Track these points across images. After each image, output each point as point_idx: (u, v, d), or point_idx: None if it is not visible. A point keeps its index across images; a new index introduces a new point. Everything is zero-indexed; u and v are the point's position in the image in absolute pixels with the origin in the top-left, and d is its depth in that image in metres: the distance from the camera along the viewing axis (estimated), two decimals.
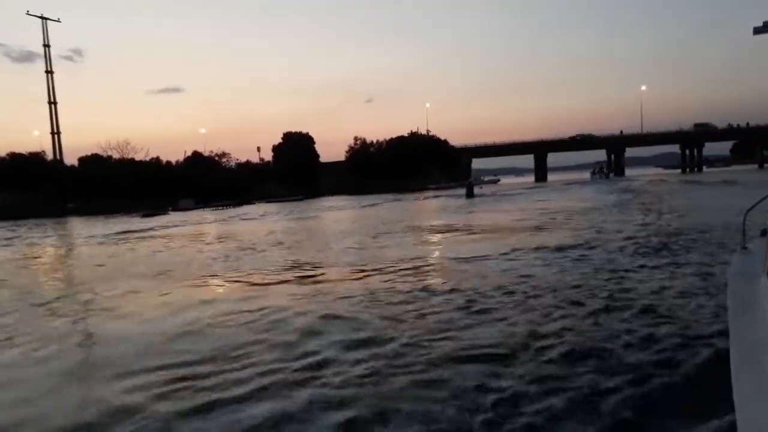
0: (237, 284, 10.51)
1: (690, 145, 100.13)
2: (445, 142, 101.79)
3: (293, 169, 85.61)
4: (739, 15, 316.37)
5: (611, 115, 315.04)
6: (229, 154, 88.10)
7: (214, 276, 11.83)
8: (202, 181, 76.94)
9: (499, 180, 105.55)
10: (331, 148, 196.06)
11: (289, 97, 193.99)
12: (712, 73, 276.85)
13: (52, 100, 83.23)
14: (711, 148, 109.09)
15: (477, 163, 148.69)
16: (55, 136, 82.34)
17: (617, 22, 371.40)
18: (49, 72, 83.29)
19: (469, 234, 16.77)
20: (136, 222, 41.15)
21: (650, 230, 14.39)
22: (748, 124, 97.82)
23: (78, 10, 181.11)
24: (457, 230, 18.20)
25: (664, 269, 9.12)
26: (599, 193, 34.89)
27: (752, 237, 4.24)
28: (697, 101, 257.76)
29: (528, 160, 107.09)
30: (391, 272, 10.47)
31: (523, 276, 9.25)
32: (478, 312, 7.04)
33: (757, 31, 5.15)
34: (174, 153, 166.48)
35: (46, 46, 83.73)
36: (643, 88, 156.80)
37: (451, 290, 8.42)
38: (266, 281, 10.54)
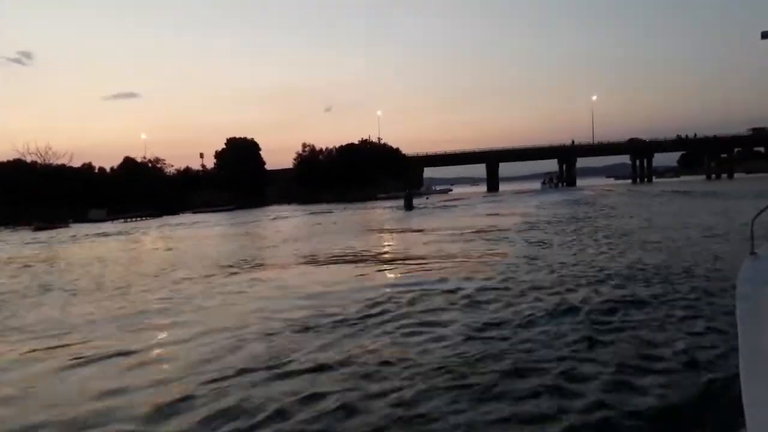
0: None
1: (640, 156, 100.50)
2: (397, 150, 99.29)
3: (237, 177, 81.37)
4: (691, 26, 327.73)
5: (564, 125, 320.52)
6: (164, 160, 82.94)
7: None
8: (134, 190, 71.94)
9: (451, 189, 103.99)
10: (289, 156, 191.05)
11: (248, 105, 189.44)
12: (663, 85, 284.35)
13: None
14: (660, 160, 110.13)
15: (434, 173, 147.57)
16: None
17: (573, 32, 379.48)
18: None
19: (352, 263, 13.29)
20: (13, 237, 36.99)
21: (581, 278, 9.07)
22: (695, 135, 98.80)
23: (30, 10, 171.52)
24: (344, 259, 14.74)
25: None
26: (542, 207, 32.44)
27: (760, 243, 3.94)
28: (647, 113, 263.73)
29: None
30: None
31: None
32: None
33: (766, 35, 4.98)
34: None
35: None
36: (594, 98, 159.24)
37: None
38: None
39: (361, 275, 11.05)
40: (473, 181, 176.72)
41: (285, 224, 32.84)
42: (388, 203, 53.88)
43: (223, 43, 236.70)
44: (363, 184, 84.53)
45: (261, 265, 13.90)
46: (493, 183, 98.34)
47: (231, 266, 13.76)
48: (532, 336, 5.87)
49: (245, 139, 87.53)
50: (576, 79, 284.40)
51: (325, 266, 12.87)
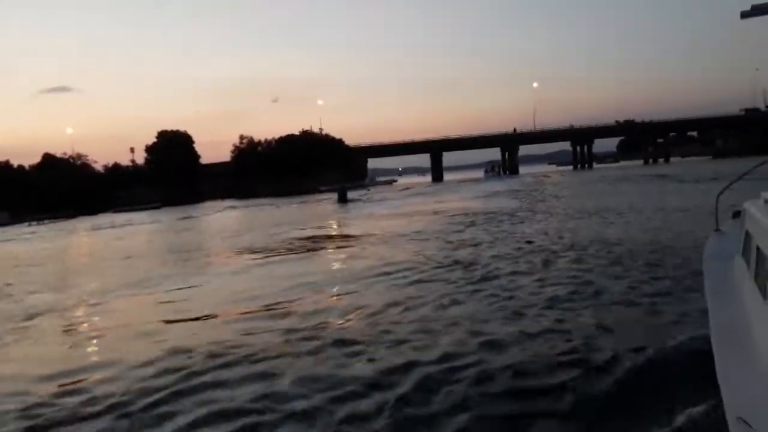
0: None
1: (580, 142, 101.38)
2: (341, 141, 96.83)
3: (169, 172, 77.05)
4: (633, 15, 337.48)
5: (509, 114, 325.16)
6: (86, 155, 77.46)
7: None
8: (55, 188, 66.82)
9: (395, 180, 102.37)
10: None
11: (192, 99, 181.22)
12: (604, 71, 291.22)
13: None
14: (600, 146, 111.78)
15: (382, 164, 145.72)
16: None
17: (513, 20, 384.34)
18: None
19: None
20: None
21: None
22: (634, 120, 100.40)
23: None
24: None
25: None
26: (477, 196, 31.18)
27: (724, 219, 4.08)
28: (588, 101, 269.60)
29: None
30: None
31: None
32: None
33: (745, 15, 4.97)
34: None
35: None
36: (535, 85, 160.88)
37: None
38: None
39: None
40: (421, 171, 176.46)
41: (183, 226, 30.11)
42: (326, 196, 51.70)
43: (166, 37, 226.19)
44: (304, 177, 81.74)
45: None
46: (437, 173, 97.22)
47: None
48: None
49: (177, 131, 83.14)
50: (518, 68, 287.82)
51: None
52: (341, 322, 6.43)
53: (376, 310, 6.76)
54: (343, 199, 36.97)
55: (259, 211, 35.84)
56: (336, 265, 11.58)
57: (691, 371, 3.76)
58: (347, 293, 8.13)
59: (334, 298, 8.03)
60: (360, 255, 12.12)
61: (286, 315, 7.04)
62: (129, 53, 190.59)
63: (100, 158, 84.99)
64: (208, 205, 58.92)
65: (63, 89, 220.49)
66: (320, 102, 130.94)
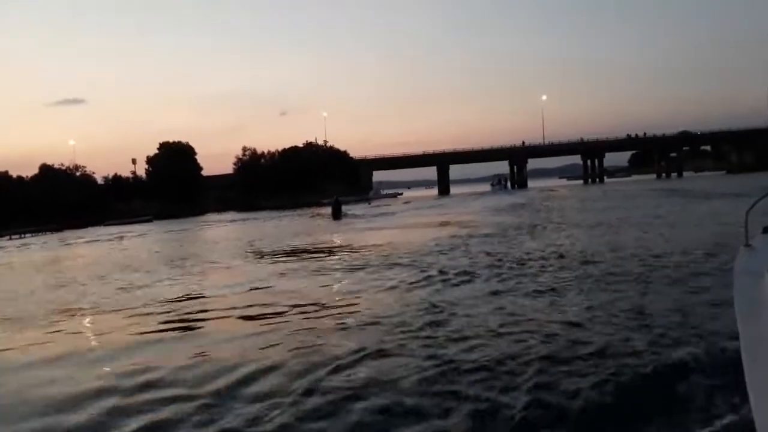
0: None
1: (591, 156, 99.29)
2: (345, 153, 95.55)
3: (170, 184, 75.78)
4: (643, 28, 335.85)
5: (518, 127, 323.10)
6: (84, 167, 76.26)
7: None
8: (54, 199, 65.56)
9: (401, 194, 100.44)
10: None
11: (201, 109, 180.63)
12: (613, 84, 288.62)
13: None
14: (611, 159, 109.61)
15: (389, 176, 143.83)
16: None
17: (523, 34, 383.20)
18: None
19: None
20: None
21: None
22: (645, 134, 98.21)
23: None
24: None
25: None
26: (480, 212, 29.28)
27: (754, 234, 3.88)
28: (598, 114, 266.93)
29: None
30: None
31: None
32: None
33: None
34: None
35: None
36: (544, 97, 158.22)
37: None
38: None
39: None
40: (428, 184, 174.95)
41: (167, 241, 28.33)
42: (325, 210, 49.91)
43: (178, 48, 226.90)
44: (307, 190, 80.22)
45: None
46: (444, 186, 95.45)
47: None
48: None
49: (179, 143, 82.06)
50: (527, 81, 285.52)
51: None
52: None
53: None
54: (336, 215, 34.90)
55: (243, 226, 34.20)
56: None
57: (719, 385, 3.76)
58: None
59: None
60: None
61: None
62: (136, 65, 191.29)
63: (107, 170, 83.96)
64: (205, 218, 57.27)
65: (74, 101, 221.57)
66: (324, 114, 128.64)
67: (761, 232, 4.09)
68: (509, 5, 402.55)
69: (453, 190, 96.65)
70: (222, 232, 31.88)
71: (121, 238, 32.04)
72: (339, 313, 7.18)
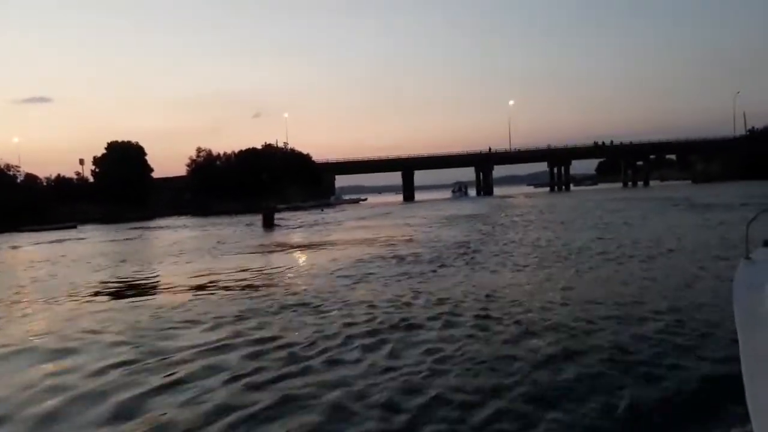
0: None
1: (557, 164, 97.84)
2: (308, 156, 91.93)
3: (116, 186, 71.27)
4: (611, 35, 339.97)
5: (485, 134, 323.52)
6: (17, 166, 70.70)
7: None
8: None
9: (364, 199, 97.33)
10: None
11: (172, 110, 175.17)
12: (583, 92, 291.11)
13: None
14: (578, 167, 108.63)
15: (358, 180, 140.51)
16: None
17: (489, 39, 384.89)
18: None
19: None
20: None
21: None
22: (612, 142, 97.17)
23: None
24: None
25: None
26: (434, 224, 26.45)
27: (753, 248, 3.88)
28: (566, 122, 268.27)
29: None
30: None
31: None
32: None
33: None
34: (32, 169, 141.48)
35: None
36: (511, 102, 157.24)
37: None
38: None
39: None
40: (397, 189, 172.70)
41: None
42: (279, 215, 46.42)
43: (149, 48, 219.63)
44: (265, 193, 76.48)
45: None
46: (409, 192, 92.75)
47: None
48: None
49: (128, 142, 77.41)
50: (495, 89, 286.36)
51: None
52: None
53: None
54: (268, 224, 31.72)
55: (156, 236, 30.32)
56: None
57: (719, 401, 3.82)
58: None
59: None
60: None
61: None
62: (106, 65, 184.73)
63: (62, 171, 77.87)
64: (147, 224, 53.06)
65: (41, 99, 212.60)
66: (285, 115, 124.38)
67: (762, 245, 4.08)
68: (477, 14, 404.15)
69: (420, 195, 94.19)
70: (107, 247, 25.33)
71: None
72: None
